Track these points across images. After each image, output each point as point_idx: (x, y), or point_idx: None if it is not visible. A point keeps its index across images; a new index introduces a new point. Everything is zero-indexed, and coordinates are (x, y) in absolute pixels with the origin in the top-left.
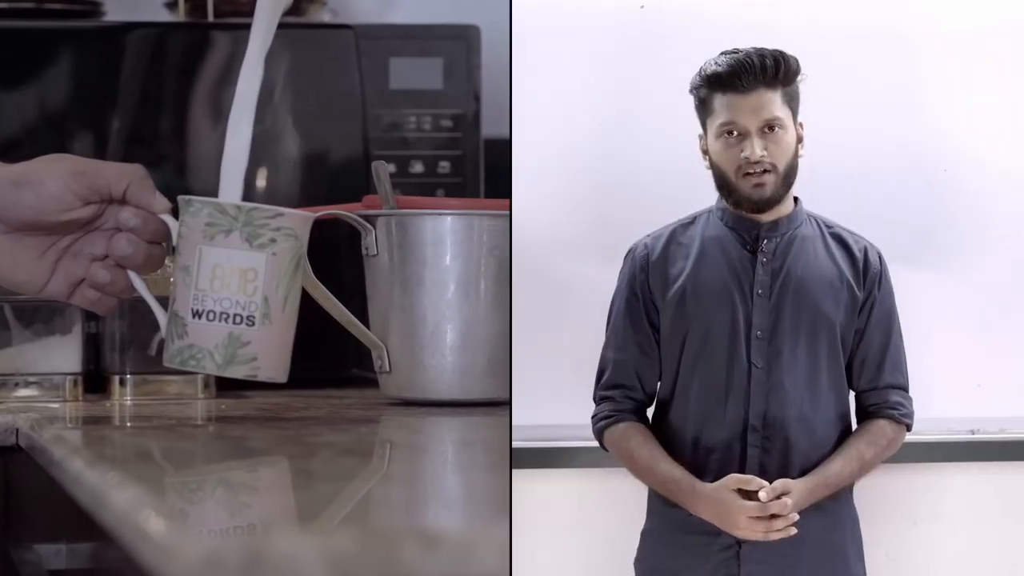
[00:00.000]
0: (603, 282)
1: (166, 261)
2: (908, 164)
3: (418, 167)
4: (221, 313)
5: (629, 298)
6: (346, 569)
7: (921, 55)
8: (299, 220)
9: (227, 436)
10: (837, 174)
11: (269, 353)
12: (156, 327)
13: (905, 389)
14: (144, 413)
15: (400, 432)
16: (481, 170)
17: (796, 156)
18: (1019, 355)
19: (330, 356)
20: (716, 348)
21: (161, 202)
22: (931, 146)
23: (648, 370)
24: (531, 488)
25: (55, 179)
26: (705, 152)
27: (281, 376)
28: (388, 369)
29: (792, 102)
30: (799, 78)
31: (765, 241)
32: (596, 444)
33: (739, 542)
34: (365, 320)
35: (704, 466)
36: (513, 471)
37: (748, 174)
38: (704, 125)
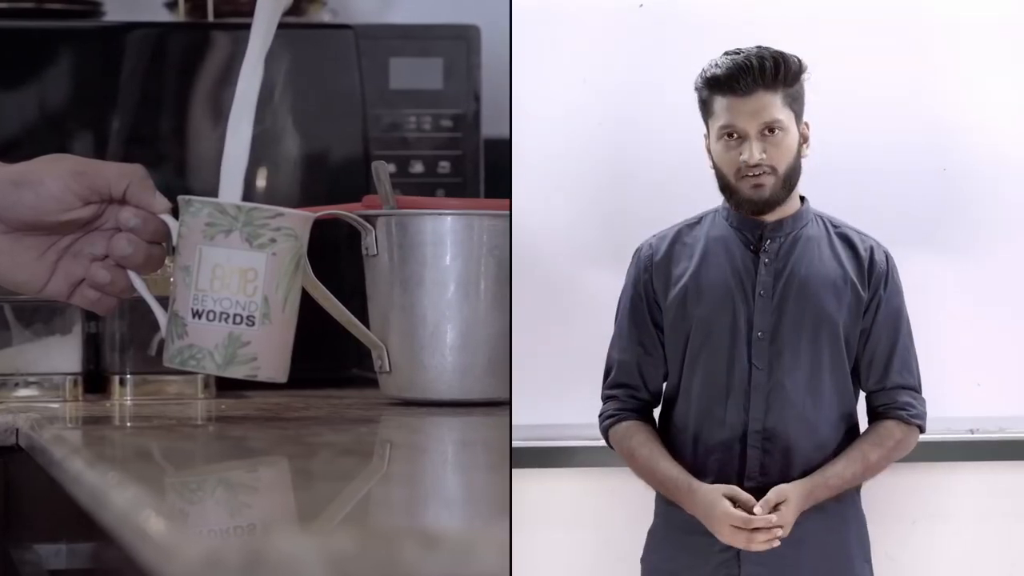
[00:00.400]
0: (603, 281)
1: (166, 261)
2: (908, 161)
3: (418, 167)
4: (221, 313)
5: (633, 298)
6: (346, 569)
7: (926, 46)
8: (299, 220)
9: (227, 436)
10: (837, 170)
11: (269, 353)
12: (156, 327)
13: (915, 389)
14: (144, 413)
15: (400, 432)
16: (481, 170)
17: (798, 157)
18: (1018, 355)
19: (330, 356)
20: (717, 349)
21: (161, 202)
22: (932, 144)
23: (652, 370)
24: (531, 488)
25: (55, 179)
26: (709, 151)
27: (281, 376)
28: (388, 369)
29: (794, 103)
30: (803, 78)
31: (768, 241)
32: (596, 444)
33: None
34: (365, 320)
35: (704, 466)
36: (513, 471)
37: (747, 176)
38: (706, 125)
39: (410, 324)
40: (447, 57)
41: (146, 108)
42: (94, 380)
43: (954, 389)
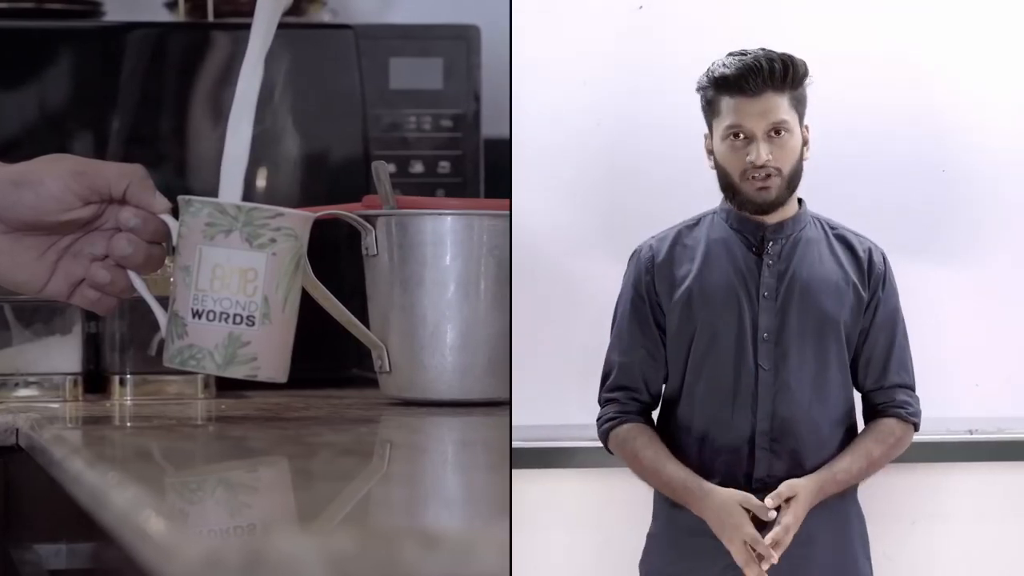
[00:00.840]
0: (603, 282)
1: (166, 261)
2: (908, 162)
3: (418, 167)
4: (221, 313)
5: (635, 300)
6: (346, 569)
7: (926, 46)
8: (299, 220)
9: (227, 436)
10: (837, 170)
11: (269, 353)
12: (156, 327)
13: (911, 388)
14: (144, 413)
15: (400, 432)
16: (481, 170)
17: (801, 159)
18: (1017, 355)
19: (330, 356)
20: (723, 351)
21: (161, 202)
22: (929, 146)
23: (654, 372)
24: (531, 488)
25: (55, 179)
26: (710, 152)
27: (281, 376)
28: (388, 369)
29: (799, 105)
30: (806, 81)
31: (771, 243)
32: (596, 444)
33: (746, 544)
34: (365, 320)
35: (711, 468)
36: (513, 471)
37: (753, 177)
38: (710, 126)
39: (410, 324)
40: (447, 57)
41: (146, 108)
42: (94, 380)
43: (953, 390)
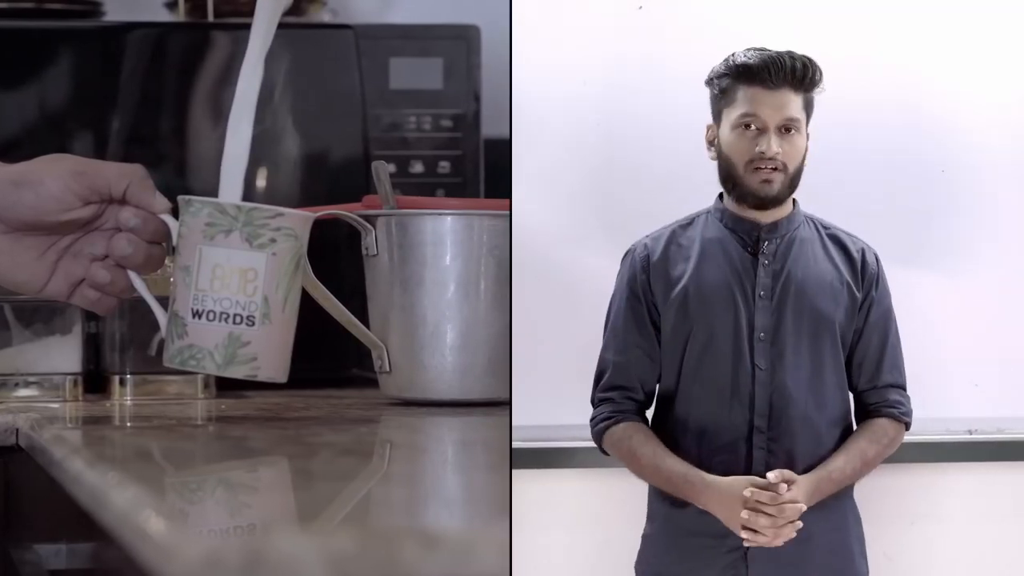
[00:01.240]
0: (603, 282)
1: (166, 261)
2: (905, 164)
3: (418, 167)
4: (221, 313)
5: (630, 299)
6: (346, 569)
7: (926, 46)
8: (299, 220)
9: (227, 436)
10: (836, 171)
11: (269, 353)
12: (156, 327)
13: (903, 388)
14: (144, 413)
15: (400, 432)
16: (481, 170)
17: (803, 161)
18: (1017, 355)
19: (330, 356)
20: (720, 350)
21: (161, 202)
22: (927, 146)
23: (649, 372)
24: (531, 488)
25: (55, 179)
26: (711, 143)
27: (281, 376)
28: (388, 369)
29: (808, 108)
30: (818, 88)
31: (766, 243)
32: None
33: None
34: (365, 320)
35: (708, 467)
36: (513, 471)
37: (758, 168)
38: (718, 115)
39: (410, 324)
40: (447, 57)
41: (146, 108)
42: (94, 380)
43: (952, 390)
